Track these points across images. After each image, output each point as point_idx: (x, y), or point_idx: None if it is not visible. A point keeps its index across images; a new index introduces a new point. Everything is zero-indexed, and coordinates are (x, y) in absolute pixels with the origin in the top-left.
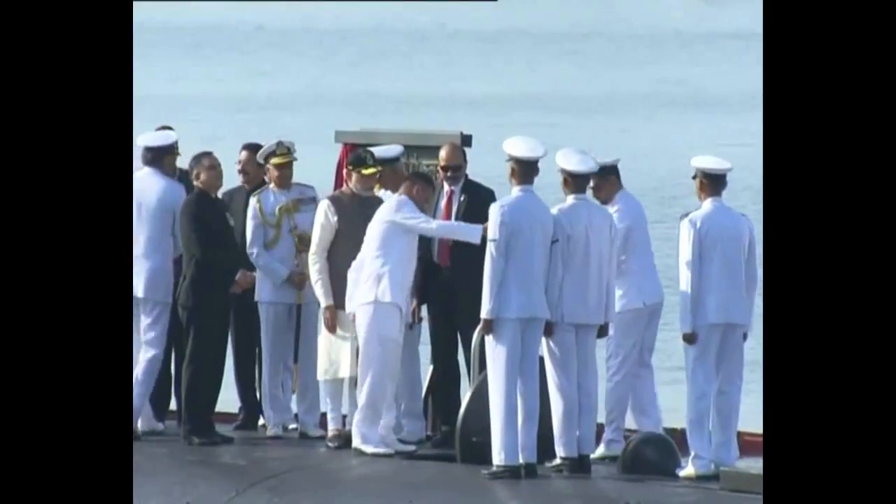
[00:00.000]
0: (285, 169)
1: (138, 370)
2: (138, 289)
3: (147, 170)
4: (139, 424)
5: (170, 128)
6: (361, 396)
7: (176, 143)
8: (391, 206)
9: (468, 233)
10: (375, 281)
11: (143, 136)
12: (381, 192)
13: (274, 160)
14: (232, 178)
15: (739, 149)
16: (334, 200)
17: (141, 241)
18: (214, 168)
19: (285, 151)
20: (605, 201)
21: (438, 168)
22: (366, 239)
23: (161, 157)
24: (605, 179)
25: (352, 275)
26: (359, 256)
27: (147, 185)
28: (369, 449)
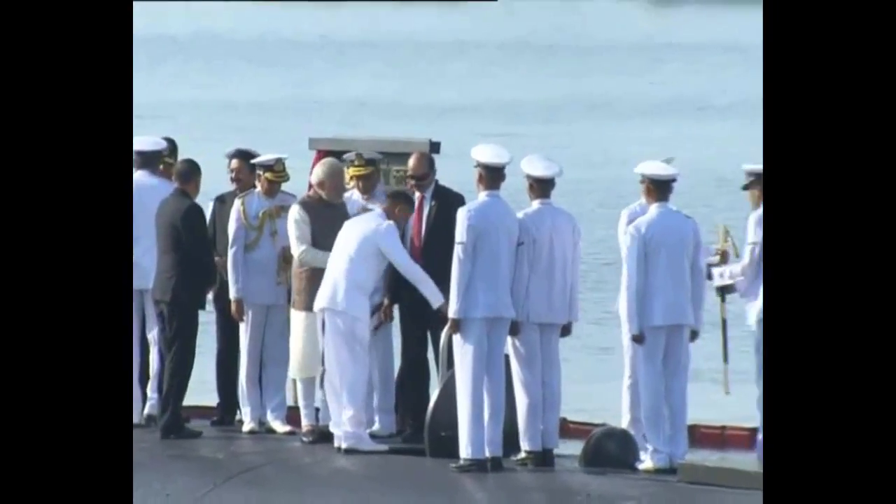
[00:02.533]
0: (275, 184)
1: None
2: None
3: (140, 173)
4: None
5: (171, 140)
6: (345, 404)
7: (166, 148)
8: (377, 229)
9: (433, 293)
10: (345, 288)
11: (135, 140)
12: (349, 195)
13: (268, 174)
14: (217, 182)
15: (698, 153)
16: (304, 205)
17: (144, 242)
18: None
19: (281, 169)
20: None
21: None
22: (339, 244)
23: (152, 161)
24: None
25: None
26: (330, 259)
27: (141, 187)
28: (365, 447)
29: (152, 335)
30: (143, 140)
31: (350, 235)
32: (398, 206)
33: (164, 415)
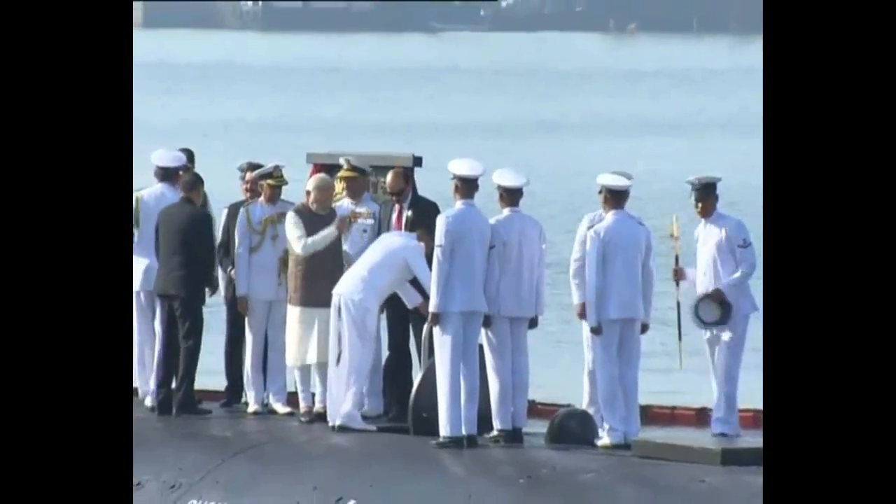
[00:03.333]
0: (276, 189)
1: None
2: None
3: (160, 185)
4: (147, 402)
5: (189, 150)
6: (350, 384)
7: (186, 164)
8: (408, 245)
9: (415, 299)
10: (368, 287)
11: (156, 154)
12: (340, 203)
13: (269, 181)
14: (229, 192)
15: (659, 167)
16: (297, 212)
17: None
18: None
19: (279, 175)
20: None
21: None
22: (373, 248)
23: (171, 175)
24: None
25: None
26: (360, 258)
27: (165, 199)
28: (357, 426)
29: (157, 328)
30: (163, 155)
31: (384, 245)
32: (423, 233)
33: (179, 394)
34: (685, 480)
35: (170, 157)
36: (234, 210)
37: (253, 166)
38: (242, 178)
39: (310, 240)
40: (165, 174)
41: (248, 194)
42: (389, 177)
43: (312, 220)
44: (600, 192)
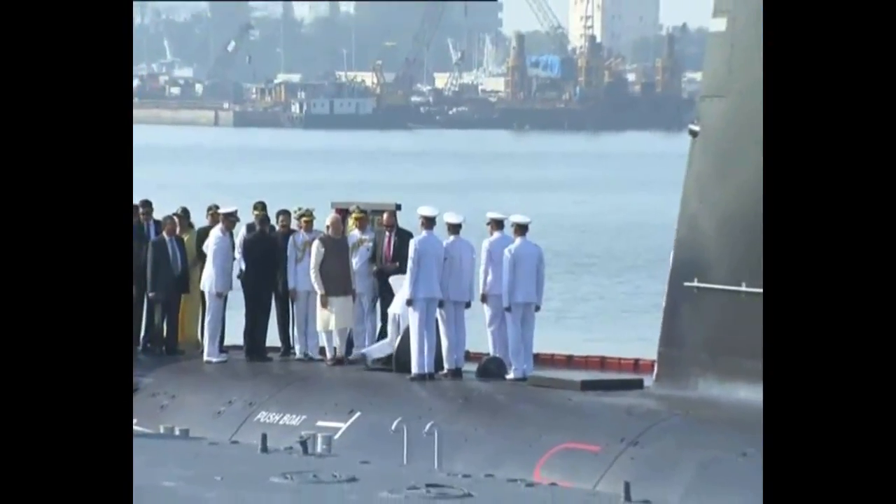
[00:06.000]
0: (310, 223)
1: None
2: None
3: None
4: (208, 357)
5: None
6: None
7: (235, 211)
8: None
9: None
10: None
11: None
12: (352, 233)
13: (305, 218)
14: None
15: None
16: (321, 240)
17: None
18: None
19: (310, 214)
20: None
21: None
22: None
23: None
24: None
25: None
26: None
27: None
28: (372, 358)
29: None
30: (223, 205)
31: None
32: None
33: (254, 344)
34: (561, 400)
35: (225, 207)
36: (278, 238)
37: (299, 211)
38: (298, 217)
39: (313, 272)
40: (215, 219)
41: (304, 227)
42: (385, 216)
43: (330, 242)
44: (512, 225)
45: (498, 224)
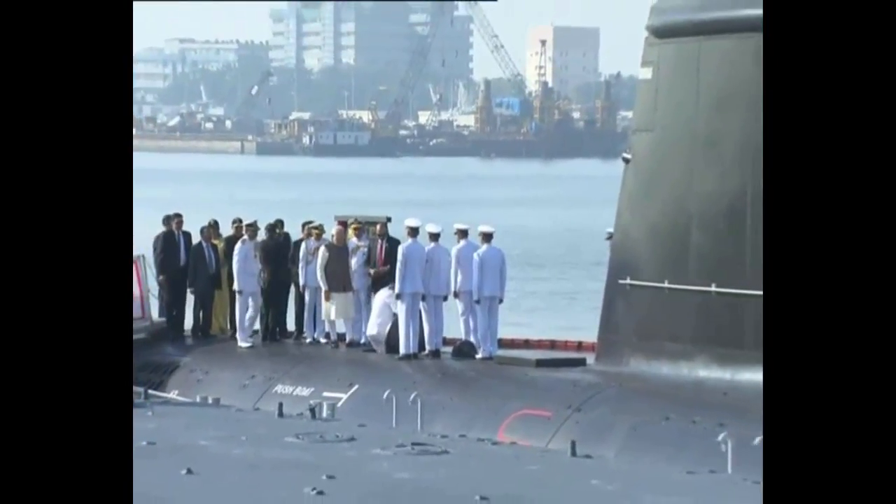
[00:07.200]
0: (319, 233)
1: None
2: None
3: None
4: (241, 343)
5: (254, 224)
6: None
7: (255, 222)
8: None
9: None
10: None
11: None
12: (351, 240)
13: (315, 231)
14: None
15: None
16: (327, 247)
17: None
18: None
19: (320, 227)
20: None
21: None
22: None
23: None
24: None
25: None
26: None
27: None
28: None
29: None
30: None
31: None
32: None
33: (267, 330)
34: (519, 375)
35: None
36: (297, 245)
37: (312, 224)
38: (311, 229)
39: (319, 272)
40: (239, 231)
41: (315, 237)
42: (378, 227)
43: (334, 248)
44: (478, 234)
45: (463, 233)
